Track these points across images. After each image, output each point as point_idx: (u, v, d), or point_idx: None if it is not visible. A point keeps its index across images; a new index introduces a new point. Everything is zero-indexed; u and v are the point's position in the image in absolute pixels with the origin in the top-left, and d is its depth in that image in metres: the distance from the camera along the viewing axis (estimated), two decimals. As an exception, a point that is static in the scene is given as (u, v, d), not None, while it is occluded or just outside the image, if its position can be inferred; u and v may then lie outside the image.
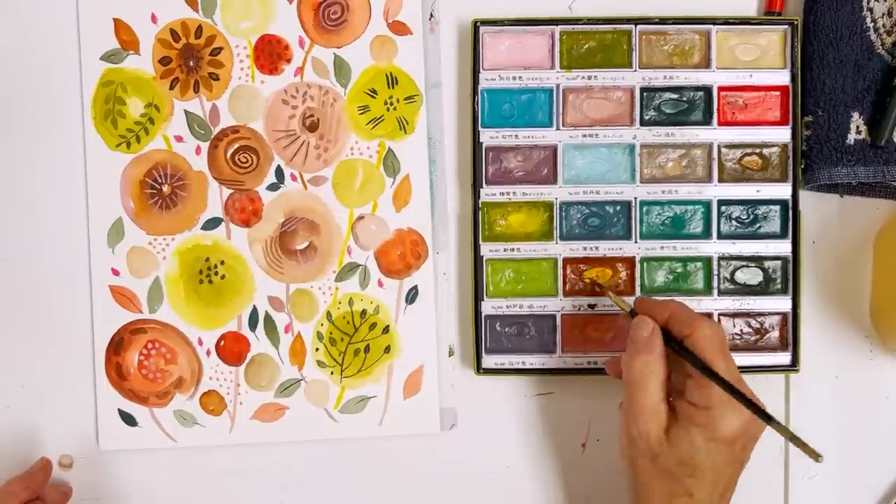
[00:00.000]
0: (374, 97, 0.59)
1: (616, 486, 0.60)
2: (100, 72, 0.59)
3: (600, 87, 0.59)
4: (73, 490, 0.60)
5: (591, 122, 0.59)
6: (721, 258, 0.59)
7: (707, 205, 0.59)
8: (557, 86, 0.59)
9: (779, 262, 0.59)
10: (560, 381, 0.60)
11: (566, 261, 0.59)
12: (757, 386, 0.59)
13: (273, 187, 0.59)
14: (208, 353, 0.59)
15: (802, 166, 0.58)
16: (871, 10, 0.57)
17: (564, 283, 0.59)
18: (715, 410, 0.49)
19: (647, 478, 0.51)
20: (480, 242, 0.59)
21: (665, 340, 0.51)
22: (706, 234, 0.59)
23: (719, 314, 0.59)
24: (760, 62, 0.59)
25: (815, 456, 0.46)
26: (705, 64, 0.59)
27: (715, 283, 0.59)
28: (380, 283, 0.60)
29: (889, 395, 0.60)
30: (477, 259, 0.59)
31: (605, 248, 0.59)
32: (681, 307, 0.52)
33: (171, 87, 0.59)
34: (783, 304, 0.59)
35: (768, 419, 0.47)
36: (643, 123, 0.59)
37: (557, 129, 0.59)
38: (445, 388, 0.60)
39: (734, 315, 0.59)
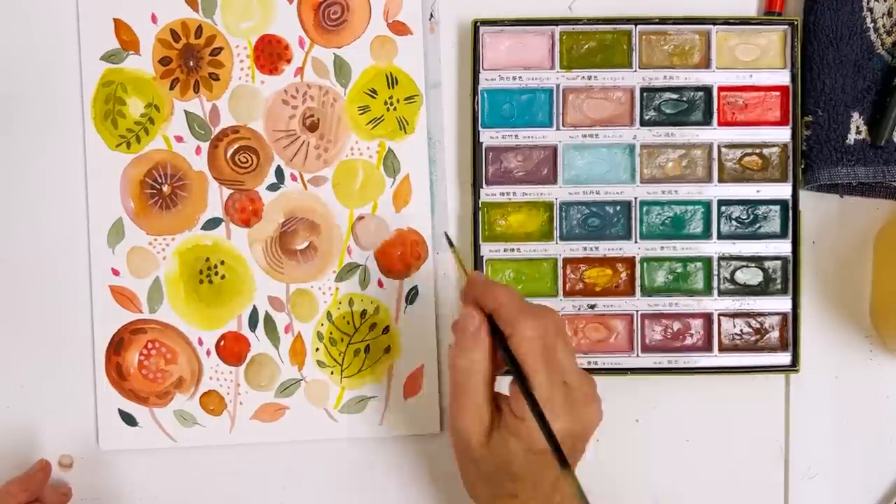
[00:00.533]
0: (374, 97, 0.59)
1: (616, 486, 0.60)
2: (100, 72, 0.59)
3: (600, 87, 0.59)
4: (74, 490, 0.60)
5: (591, 122, 0.59)
6: (721, 258, 0.59)
7: (707, 205, 0.59)
8: (557, 86, 0.59)
9: (779, 262, 0.59)
10: (560, 381, 0.60)
11: (566, 261, 0.59)
12: (757, 386, 0.60)
13: (273, 187, 0.59)
14: (208, 353, 0.59)
15: (802, 166, 0.58)
16: (871, 10, 0.57)
17: (564, 283, 0.59)
18: (529, 423, 0.45)
19: (471, 477, 0.49)
20: (480, 242, 0.59)
21: (493, 332, 0.47)
22: (706, 234, 0.59)
23: (719, 314, 0.59)
24: (760, 62, 0.59)
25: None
26: (705, 64, 0.59)
27: (715, 284, 0.59)
28: (380, 284, 0.60)
29: (889, 395, 0.60)
30: (477, 259, 0.59)
31: (605, 248, 0.59)
32: (510, 298, 0.47)
33: (172, 88, 0.59)
34: (783, 304, 0.59)
35: (562, 462, 0.43)
36: (643, 123, 0.59)
37: (557, 129, 0.59)
38: (445, 388, 0.60)
39: (734, 315, 0.59)
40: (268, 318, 0.59)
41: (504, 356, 0.47)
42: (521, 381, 0.46)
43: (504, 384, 0.48)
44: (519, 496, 0.47)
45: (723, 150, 0.59)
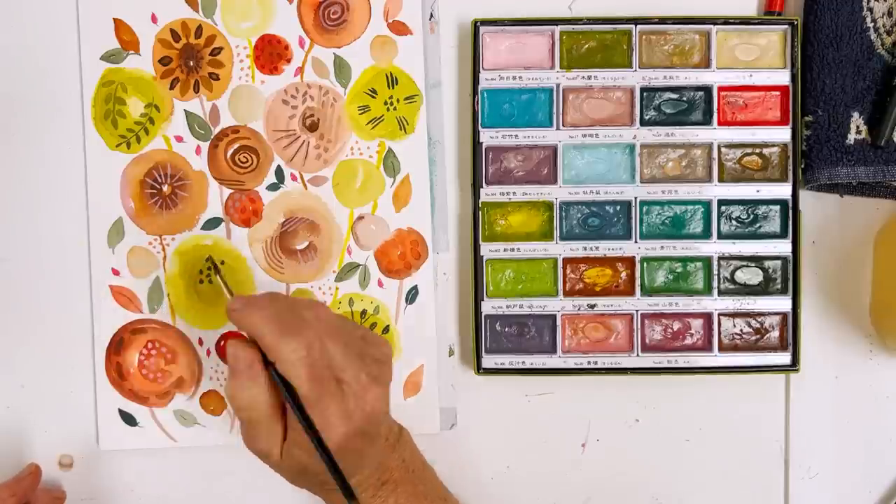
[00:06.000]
0: (374, 97, 0.59)
1: (616, 486, 0.60)
2: (100, 72, 0.59)
3: (600, 87, 0.59)
4: (74, 490, 0.60)
5: (591, 122, 0.59)
6: (721, 258, 0.59)
7: (707, 205, 0.59)
8: (557, 86, 0.59)
9: (779, 262, 0.59)
10: (560, 381, 0.60)
11: (566, 261, 0.59)
12: (757, 386, 0.60)
13: (273, 187, 0.59)
14: (208, 353, 0.59)
15: (802, 166, 0.58)
16: (871, 10, 0.57)
17: (564, 283, 0.59)
18: (303, 433, 0.48)
19: (285, 476, 0.52)
20: (480, 242, 0.59)
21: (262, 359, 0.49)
22: (706, 233, 0.59)
23: (719, 314, 0.59)
24: (760, 62, 0.59)
25: None
26: (705, 64, 0.59)
27: (715, 283, 0.59)
28: (380, 283, 0.60)
29: (889, 395, 0.60)
30: (477, 259, 0.59)
31: (605, 248, 0.59)
32: (265, 321, 0.48)
33: (172, 87, 0.59)
34: (783, 304, 0.59)
35: (344, 490, 0.47)
36: (643, 123, 0.59)
37: (557, 128, 0.59)
38: (445, 388, 0.60)
39: (734, 315, 0.59)
40: (268, 318, 0.59)
41: (273, 375, 0.48)
42: (291, 397, 0.48)
43: None
44: (328, 482, 0.49)
45: (723, 149, 0.59)
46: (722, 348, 0.59)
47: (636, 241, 0.59)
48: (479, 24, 0.58)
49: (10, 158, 0.60)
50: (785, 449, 0.60)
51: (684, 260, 0.59)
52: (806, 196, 0.60)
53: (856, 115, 0.57)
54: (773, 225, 0.59)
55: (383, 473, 0.52)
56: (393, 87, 0.59)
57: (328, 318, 0.50)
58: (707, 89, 0.59)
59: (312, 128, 0.59)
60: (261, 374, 0.48)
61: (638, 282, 0.59)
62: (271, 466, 0.51)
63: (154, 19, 0.59)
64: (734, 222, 0.59)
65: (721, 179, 0.59)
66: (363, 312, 0.60)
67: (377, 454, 0.51)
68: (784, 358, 0.59)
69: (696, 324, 0.59)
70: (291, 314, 0.49)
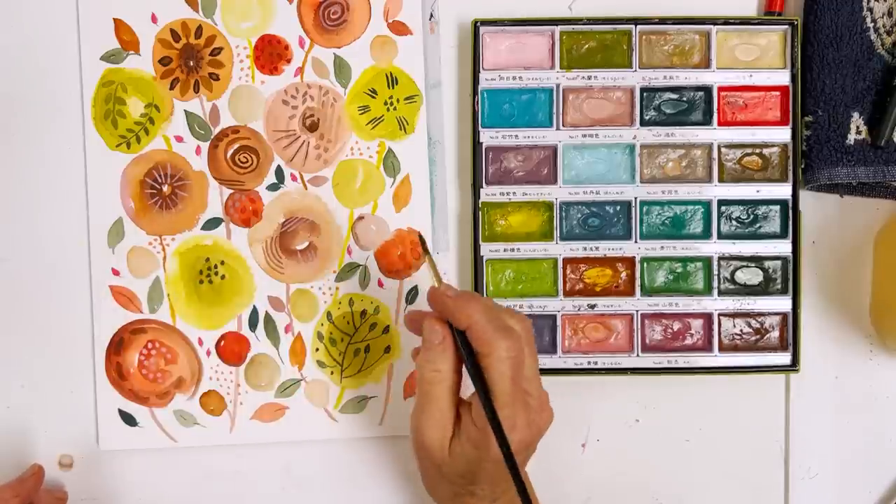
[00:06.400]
0: (374, 97, 0.59)
1: (616, 486, 0.60)
2: (100, 72, 0.59)
3: (600, 87, 0.59)
4: (74, 490, 0.60)
5: (591, 122, 0.59)
6: (721, 258, 0.59)
7: (707, 205, 0.59)
8: (557, 86, 0.59)
9: (779, 262, 0.59)
10: (560, 381, 0.60)
11: (566, 261, 0.59)
12: (757, 386, 0.60)
13: (273, 187, 0.59)
14: (208, 353, 0.59)
15: (802, 166, 0.58)
16: (871, 10, 0.57)
17: (564, 283, 0.59)
18: (488, 434, 0.47)
19: (432, 479, 0.51)
20: (480, 242, 0.59)
21: (461, 344, 0.49)
22: (706, 234, 0.59)
23: (719, 314, 0.59)
24: (760, 62, 0.59)
25: None
26: (705, 64, 0.59)
27: (715, 283, 0.59)
28: (380, 283, 0.60)
29: (889, 395, 0.60)
30: (477, 259, 0.59)
31: (605, 248, 0.59)
32: (483, 315, 0.48)
33: (172, 87, 0.59)
34: (783, 304, 0.59)
35: (515, 477, 0.46)
36: (643, 123, 0.59)
37: (557, 129, 0.59)
38: (445, 388, 0.60)
39: (734, 315, 0.59)
40: (268, 318, 0.59)
41: (470, 370, 0.48)
42: (485, 396, 0.47)
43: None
44: (476, 494, 0.50)
45: (723, 150, 0.59)
46: (722, 348, 0.59)
47: (636, 242, 0.59)
48: (479, 24, 0.58)
49: (10, 158, 0.60)
50: (785, 449, 0.60)
51: (684, 260, 0.59)
52: (806, 196, 0.60)
53: (856, 115, 0.57)
54: (773, 225, 0.59)
55: (496, 488, 0.50)
56: (393, 88, 0.59)
57: (528, 332, 0.50)
58: (707, 89, 0.59)
59: (312, 128, 0.59)
60: (451, 354, 0.49)
61: (638, 282, 0.59)
62: (427, 461, 0.50)
63: (154, 19, 0.59)
64: (734, 222, 0.59)
65: (721, 180, 0.59)
66: (363, 312, 0.60)
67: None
68: (784, 358, 0.59)
69: (696, 324, 0.59)
70: (499, 316, 0.49)
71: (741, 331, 0.59)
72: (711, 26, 0.58)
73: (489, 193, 0.59)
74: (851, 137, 0.57)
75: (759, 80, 0.59)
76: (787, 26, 0.58)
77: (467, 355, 0.48)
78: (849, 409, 0.60)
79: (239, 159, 0.59)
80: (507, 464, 0.46)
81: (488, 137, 0.59)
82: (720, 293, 0.59)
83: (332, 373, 0.59)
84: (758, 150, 0.59)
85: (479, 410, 0.48)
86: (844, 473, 0.60)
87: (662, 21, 0.58)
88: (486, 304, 0.49)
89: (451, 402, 0.49)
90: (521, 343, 0.48)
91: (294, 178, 0.59)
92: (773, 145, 0.59)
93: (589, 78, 0.59)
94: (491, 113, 0.59)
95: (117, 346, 0.59)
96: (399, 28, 0.59)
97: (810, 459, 0.60)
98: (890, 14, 0.57)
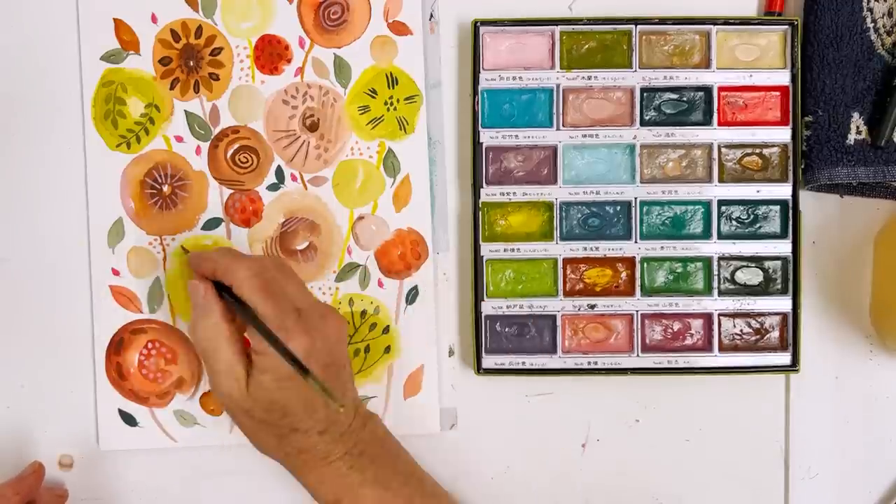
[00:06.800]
0: (375, 97, 0.59)
1: (616, 486, 0.60)
2: (100, 72, 0.59)
3: (600, 88, 0.59)
4: (74, 490, 0.60)
5: (591, 123, 0.59)
6: (721, 258, 0.59)
7: (707, 205, 0.59)
8: (557, 86, 0.59)
9: (779, 263, 0.59)
10: (560, 381, 0.60)
11: (566, 261, 0.59)
12: (757, 386, 0.60)
13: (273, 187, 0.59)
14: (208, 353, 0.59)
15: (802, 166, 0.58)
16: (871, 10, 0.57)
17: (564, 283, 0.59)
18: (270, 352, 0.48)
19: (251, 431, 0.52)
20: (480, 242, 0.59)
21: (220, 291, 0.52)
22: (706, 234, 0.59)
23: (719, 314, 0.59)
24: (760, 62, 0.59)
25: (339, 406, 0.47)
26: (705, 64, 0.59)
27: (715, 284, 0.59)
28: (380, 284, 0.60)
29: (889, 396, 0.60)
30: (477, 259, 0.59)
31: (606, 248, 0.59)
32: (224, 255, 0.52)
33: (172, 88, 0.59)
34: (783, 304, 0.59)
35: (300, 369, 0.47)
36: (643, 123, 0.59)
37: (557, 129, 0.59)
38: (445, 388, 0.60)
39: (734, 315, 0.59)
40: (268, 318, 0.59)
41: (231, 303, 0.51)
42: (249, 316, 0.50)
43: None
44: (299, 427, 0.51)
45: (723, 150, 0.59)
46: (722, 348, 0.59)
47: (636, 242, 0.59)
48: (479, 24, 0.58)
49: (10, 158, 0.60)
50: (785, 449, 0.60)
51: (684, 260, 0.59)
52: (806, 196, 0.60)
53: (856, 115, 0.57)
54: (774, 225, 0.59)
55: (357, 444, 0.52)
56: (393, 88, 0.59)
57: (273, 260, 0.53)
58: (707, 89, 0.59)
59: (312, 128, 0.59)
60: (216, 304, 0.51)
61: (638, 282, 0.59)
62: (237, 412, 0.51)
63: (154, 19, 0.59)
64: (734, 223, 0.59)
65: (721, 180, 0.59)
66: (363, 312, 0.60)
67: (347, 399, 0.52)
68: (784, 358, 0.59)
69: (697, 324, 0.59)
70: (237, 253, 0.53)
71: (741, 331, 0.59)
72: (711, 26, 0.58)
73: (489, 193, 0.59)
74: (851, 137, 0.57)
75: (759, 80, 0.59)
76: (787, 26, 0.58)
77: (223, 291, 0.51)
78: (849, 409, 0.60)
79: (239, 159, 0.59)
80: (282, 355, 0.47)
81: (488, 137, 0.59)
82: (720, 293, 0.59)
83: (332, 373, 0.59)
84: (758, 151, 0.59)
85: (254, 339, 0.50)
86: (844, 473, 0.60)
87: (662, 21, 0.58)
88: (231, 248, 0.54)
89: (234, 349, 0.51)
90: (265, 264, 0.51)
91: (294, 178, 0.59)
92: (773, 145, 0.59)
93: (589, 78, 0.59)
94: (491, 113, 0.59)
95: (117, 346, 0.59)
96: (399, 28, 0.59)
97: (810, 459, 0.60)
98: (890, 14, 0.57)
